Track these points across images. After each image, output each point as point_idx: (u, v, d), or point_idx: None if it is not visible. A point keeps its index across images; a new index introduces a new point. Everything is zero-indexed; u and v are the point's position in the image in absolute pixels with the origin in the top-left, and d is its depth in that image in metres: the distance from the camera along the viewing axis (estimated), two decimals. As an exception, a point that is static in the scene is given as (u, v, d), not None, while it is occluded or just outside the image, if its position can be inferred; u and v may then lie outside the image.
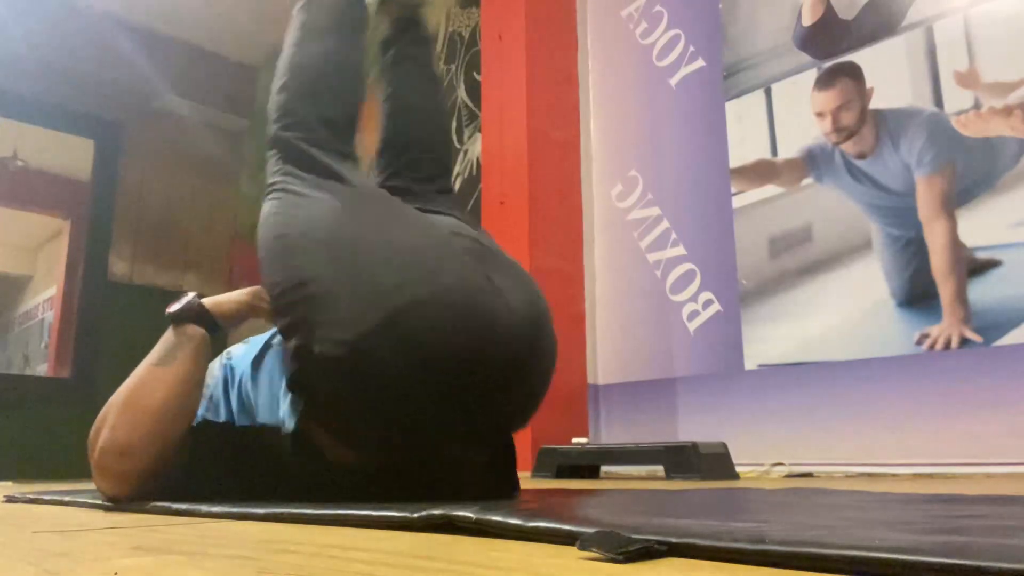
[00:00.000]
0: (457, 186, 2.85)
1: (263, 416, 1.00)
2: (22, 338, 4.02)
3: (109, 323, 3.54)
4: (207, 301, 1.05)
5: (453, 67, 2.97)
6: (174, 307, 1.03)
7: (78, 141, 3.66)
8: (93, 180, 3.67)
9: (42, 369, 3.76)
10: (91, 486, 0.99)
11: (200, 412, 1.05)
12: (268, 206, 1.01)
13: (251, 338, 1.13)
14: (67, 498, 1.13)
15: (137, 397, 0.96)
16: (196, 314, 1.02)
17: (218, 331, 1.05)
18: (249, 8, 3.71)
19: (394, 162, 1.34)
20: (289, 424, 0.93)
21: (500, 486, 0.99)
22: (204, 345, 1.02)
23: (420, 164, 1.31)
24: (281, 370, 0.99)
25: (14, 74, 3.42)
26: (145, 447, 0.94)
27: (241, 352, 1.10)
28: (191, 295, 1.05)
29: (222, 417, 1.03)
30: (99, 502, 1.01)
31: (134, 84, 3.76)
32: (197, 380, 1.01)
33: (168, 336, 1.02)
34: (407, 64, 1.35)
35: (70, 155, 3.70)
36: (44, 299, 3.94)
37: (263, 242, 0.97)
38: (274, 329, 1.07)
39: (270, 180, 1.05)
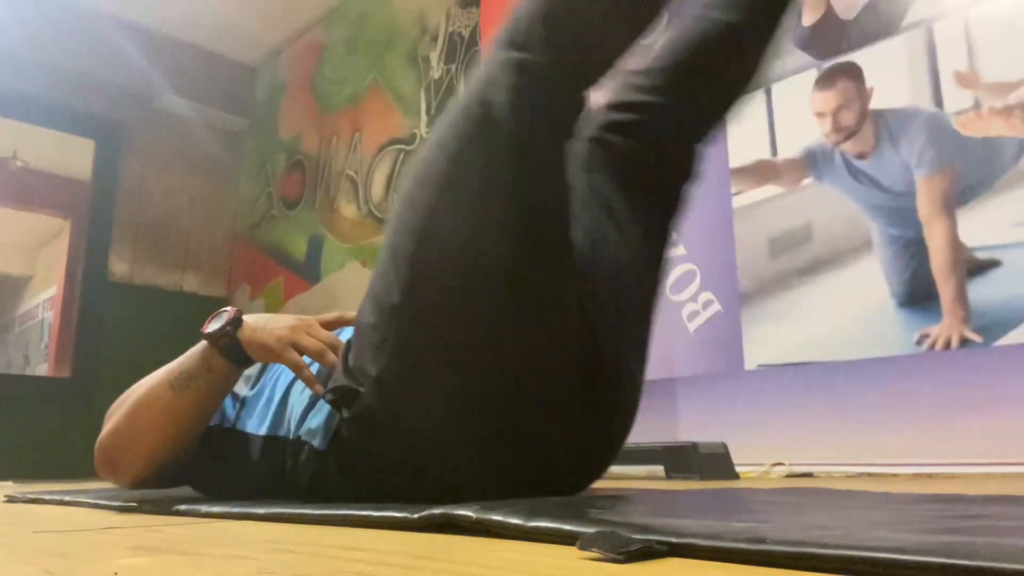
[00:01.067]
0: (457, 186, 2.85)
1: (288, 419, 0.96)
2: (22, 338, 4.02)
3: (109, 323, 3.54)
4: (246, 331, 0.92)
5: (453, 67, 2.97)
6: (210, 326, 0.93)
7: (78, 141, 3.66)
8: (93, 180, 3.67)
9: (42, 369, 3.76)
10: (91, 486, 1.00)
11: (231, 416, 1.03)
12: (453, 124, 0.78)
13: None
14: (67, 498, 1.13)
15: (141, 412, 0.94)
16: (227, 347, 0.91)
17: (250, 365, 0.95)
18: (249, 8, 3.71)
19: (657, 89, 0.94)
20: (315, 441, 0.89)
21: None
22: (226, 380, 0.94)
23: (694, 113, 0.98)
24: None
25: (14, 74, 3.42)
26: (138, 457, 0.95)
27: None
28: (230, 315, 0.93)
29: (255, 413, 1.01)
30: (99, 502, 1.01)
31: (134, 84, 3.76)
32: (206, 413, 0.96)
33: (195, 356, 0.94)
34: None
35: (70, 155, 3.70)
36: (44, 299, 3.94)
37: (414, 192, 0.79)
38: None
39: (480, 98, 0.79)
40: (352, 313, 0.99)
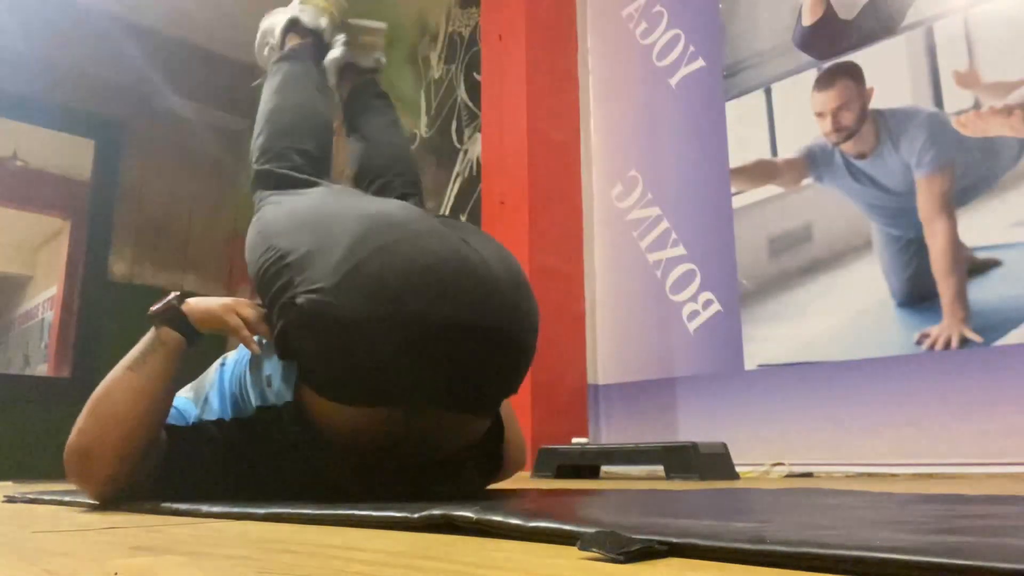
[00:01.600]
0: (457, 186, 2.85)
1: (251, 399, 1.02)
2: (22, 338, 4.02)
3: (109, 323, 3.54)
4: (189, 304, 1.03)
5: (453, 67, 2.97)
6: (155, 307, 1.02)
7: (78, 141, 3.66)
8: (93, 180, 3.67)
9: (42, 369, 3.76)
10: (72, 482, 1.00)
11: (195, 413, 1.06)
12: (252, 222, 1.10)
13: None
14: (67, 498, 1.13)
15: (104, 400, 0.96)
16: (172, 317, 1.01)
17: (197, 337, 1.02)
18: (249, 8, 3.70)
19: (369, 186, 1.44)
20: (285, 396, 0.94)
21: (486, 464, 1.03)
22: (177, 351, 1.00)
23: (392, 185, 1.43)
24: (271, 353, 0.99)
25: (14, 74, 3.42)
26: (106, 452, 0.94)
27: (235, 356, 1.11)
28: (173, 296, 1.03)
29: (215, 418, 1.04)
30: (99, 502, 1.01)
31: (134, 84, 3.76)
32: (166, 387, 0.99)
33: (146, 338, 1.01)
34: (371, 113, 1.54)
35: (70, 155, 3.70)
36: (44, 299, 3.94)
37: (248, 244, 1.06)
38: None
39: (255, 208, 1.15)
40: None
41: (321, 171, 1.26)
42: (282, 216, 1.05)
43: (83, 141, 3.67)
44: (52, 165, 3.77)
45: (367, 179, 1.45)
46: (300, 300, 0.88)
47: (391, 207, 1.00)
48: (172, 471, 1.01)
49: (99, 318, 3.54)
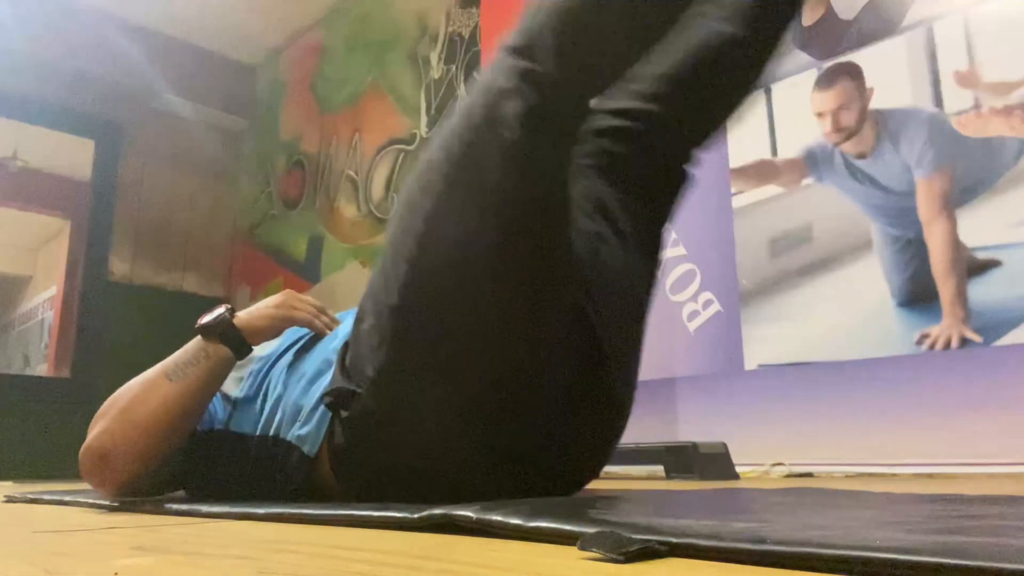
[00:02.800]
0: (457, 186, 2.85)
1: (280, 422, 0.96)
2: (22, 338, 4.02)
3: (109, 323, 3.54)
4: (240, 316, 0.99)
5: (453, 67, 2.97)
6: (205, 319, 0.97)
7: (78, 141, 3.66)
8: (93, 180, 3.67)
9: (42, 369, 3.76)
10: (86, 480, 0.99)
11: (221, 418, 1.03)
12: (455, 130, 0.78)
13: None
14: (67, 498, 1.13)
15: (136, 406, 0.93)
16: (224, 331, 0.96)
17: (248, 351, 0.99)
18: (249, 8, 3.71)
19: (656, 97, 0.93)
20: (307, 448, 0.89)
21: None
22: (222, 366, 0.97)
23: (691, 123, 0.97)
24: (316, 378, 0.94)
25: (14, 74, 3.42)
26: (128, 457, 0.93)
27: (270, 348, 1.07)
28: (223, 309, 0.99)
29: (250, 416, 1.01)
30: (99, 502, 1.01)
31: (134, 84, 3.76)
32: (203, 400, 0.97)
33: (190, 348, 0.97)
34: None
35: (70, 155, 3.70)
36: (44, 299, 3.94)
37: (414, 196, 0.79)
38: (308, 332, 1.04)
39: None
40: (329, 313, 1.05)
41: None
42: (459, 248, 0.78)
43: (83, 141, 3.67)
44: (52, 165, 3.77)
45: (668, 85, 0.94)
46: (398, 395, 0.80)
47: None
48: (190, 476, 1.00)
49: (99, 318, 3.54)
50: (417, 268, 0.76)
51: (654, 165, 0.95)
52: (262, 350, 1.06)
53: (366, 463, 0.85)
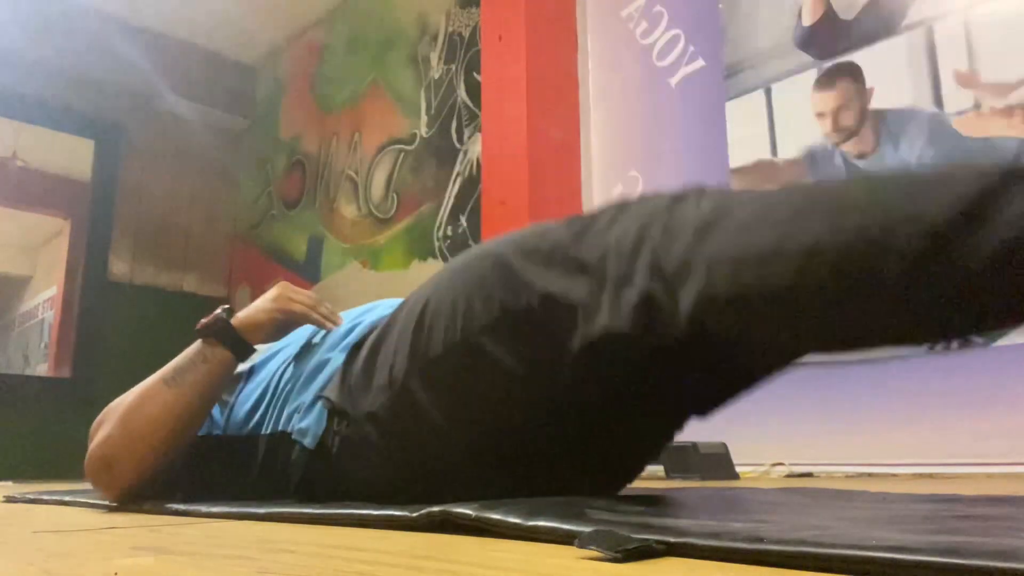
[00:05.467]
0: (457, 186, 2.85)
1: (280, 416, 0.96)
2: (22, 338, 4.02)
3: (109, 323, 3.54)
4: (238, 316, 0.97)
5: (453, 67, 2.97)
6: (203, 321, 0.96)
7: (78, 141, 3.66)
8: (93, 180, 3.67)
9: (42, 369, 3.76)
10: (91, 486, 0.99)
11: (221, 422, 1.03)
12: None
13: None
14: (67, 498, 1.13)
15: (136, 413, 0.93)
16: (221, 331, 0.94)
17: (248, 352, 0.97)
18: (249, 8, 3.71)
19: None
20: (307, 440, 0.89)
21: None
22: (222, 370, 0.95)
23: None
24: (316, 372, 0.94)
25: (14, 74, 3.42)
26: (131, 463, 0.93)
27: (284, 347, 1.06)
28: (221, 309, 0.97)
29: (244, 412, 1.00)
30: (99, 502, 1.01)
31: (134, 84, 3.76)
32: (203, 405, 0.96)
33: (189, 352, 0.96)
34: None
35: (70, 155, 3.70)
36: (44, 299, 3.94)
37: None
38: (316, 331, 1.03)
39: None
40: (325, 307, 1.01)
41: None
42: None
43: (83, 141, 3.67)
44: (52, 165, 3.77)
45: None
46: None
47: None
48: (188, 477, 1.00)
49: (99, 318, 3.54)
50: (447, 358, 0.76)
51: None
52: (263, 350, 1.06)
53: (353, 469, 0.85)
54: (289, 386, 0.97)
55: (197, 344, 0.96)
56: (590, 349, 0.66)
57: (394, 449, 0.81)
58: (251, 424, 0.99)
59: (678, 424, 0.86)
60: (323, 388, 0.90)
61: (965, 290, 0.51)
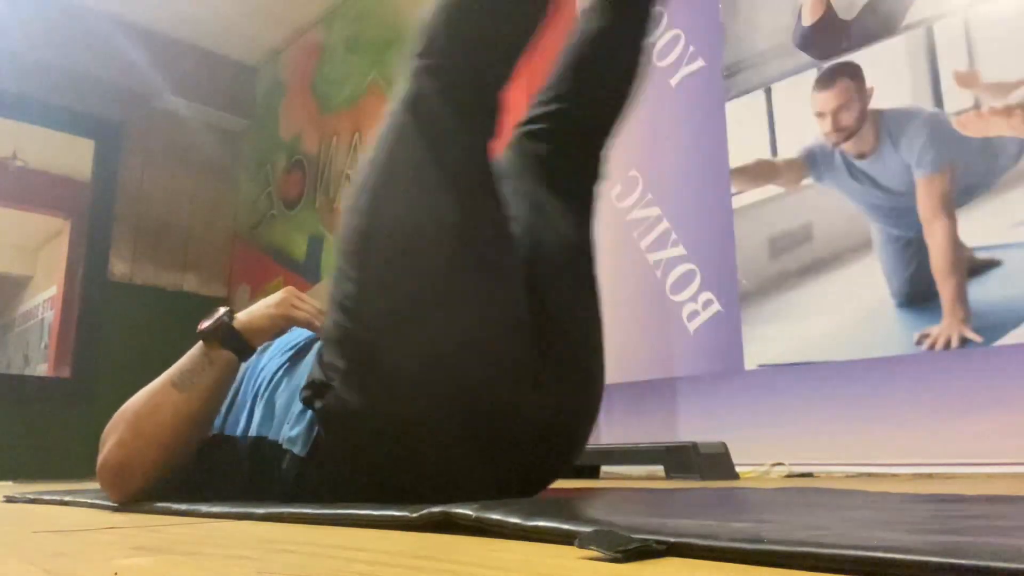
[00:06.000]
0: (457, 186, 2.85)
1: (273, 423, 0.96)
2: (22, 338, 4.02)
3: (109, 323, 3.54)
4: (240, 318, 0.98)
5: (453, 67, 2.97)
6: (204, 324, 0.96)
7: (78, 141, 3.66)
8: (93, 180, 3.67)
9: (42, 369, 3.76)
10: (91, 486, 0.99)
11: (218, 423, 1.04)
12: (381, 134, 0.86)
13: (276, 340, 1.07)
14: (67, 498, 1.13)
15: (146, 418, 0.94)
16: (224, 335, 0.95)
17: (250, 353, 0.98)
18: (249, 8, 3.71)
19: (559, 98, 1.08)
20: (297, 448, 0.89)
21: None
22: (228, 371, 0.97)
23: (590, 111, 1.07)
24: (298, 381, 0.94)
25: (14, 74, 3.42)
26: (144, 467, 0.94)
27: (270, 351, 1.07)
28: (223, 311, 0.98)
29: (241, 418, 1.01)
30: (99, 502, 1.01)
31: (134, 84, 3.76)
32: (213, 407, 0.97)
33: (194, 354, 0.97)
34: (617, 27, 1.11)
35: (70, 155, 3.70)
36: (44, 299, 3.94)
37: (354, 199, 0.84)
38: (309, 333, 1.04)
39: (397, 96, 0.88)
40: None
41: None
42: (391, 219, 0.82)
43: (83, 141, 3.67)
44: (52, 165, 3.77)
45: (567, 82, 1.09)
46: (361, 386, 0.82)
47: (484, 322, 0.81)
48: (190, 481, 1.00)
49: (99, 318, 3.54)
50: (366, 262, 0.81)
51: (569, 159, 1.06)
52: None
53: (346, 455, 0.85)
54: (284, 392, 0.98)
55: (200, 346, 0.97)
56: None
57: (373, 407, 0.81)
58: (245, 428, 1.00)
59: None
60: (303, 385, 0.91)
61: None
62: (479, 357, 0.80)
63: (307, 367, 0.96)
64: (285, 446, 0.91)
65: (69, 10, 3.60)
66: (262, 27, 3.88)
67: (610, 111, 1.09)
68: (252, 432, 0.98)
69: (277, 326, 1.00)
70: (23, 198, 3.71)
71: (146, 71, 3.76)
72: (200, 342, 0.97)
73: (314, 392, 0.84)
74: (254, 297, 3.88)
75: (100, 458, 0.95)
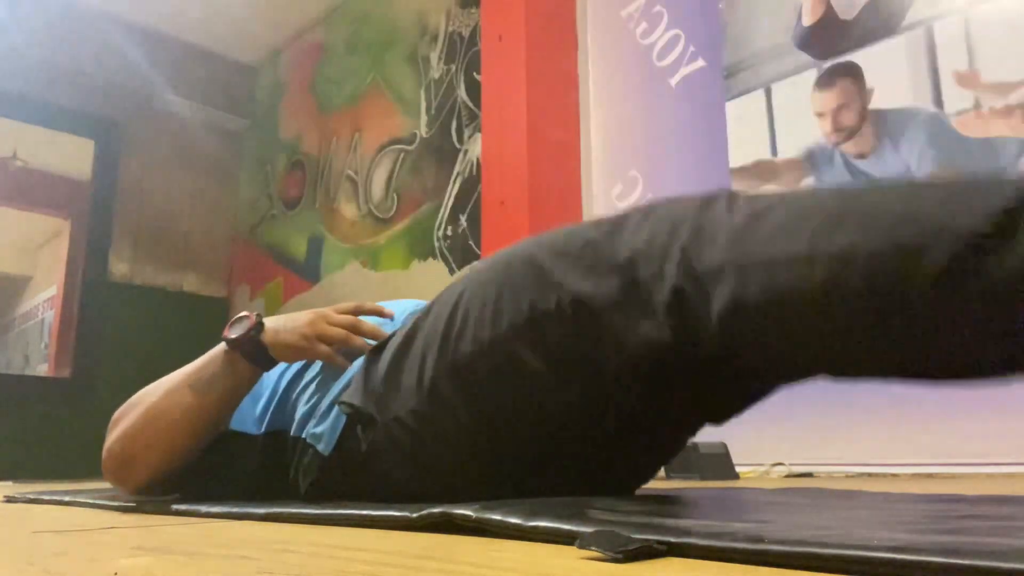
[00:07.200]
0: (457, 186, 2.85)
1: (292, 419, 0.96)
2: (22, 338, 4.02)
3: (109, 323, 3.54)
4: (268, 333, 0.93)
5: (453, 67, 2.97)
6: (233, 333, 0.93)
7: (78, 141, 3.66)
8: (93, 180, 3.67)
9: (42, 369, 3.76)
10: (91, 486, 0.99)
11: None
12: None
13: None
14: (67, 498, 1.13)
15: (159, 414, 0.92)
16: (252, 350, 0.92)
17: (273, 366, 0.96)
18: (249, 8, 3.71)
19: None
20: (321, 446, 0.89)
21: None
22: (247, 382, 0.95)
23: None
24: (330, 380, 0.94)
25: (14, 74, 3.42)
26: (150, 462, 0.93)
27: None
28: (255, 320, 0.93)
29: (252, 412, 1.00)
30: (99, 502, 1.01)
31: (134, 84, 3.76)
32: (227, 413, 0.96)
33: (215, 358, 0.94)
34: None
35: (70, 155, 3.70)
36: (44, 299, 3.94)
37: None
38: None
39: None
40: (369, 303, 1.01)
41: None
42: None
43: (83, 141, 3.67)
44: (52, 165, 3.77)
45: None
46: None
47: None
48: (196, 476, 1.00)
49: (99, 318, 3.54)
50: (479, 359, 0.75)
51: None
52: None
53: (370, 475, 0.85)
54: (306, 386, 0.97)
55: (224, 353, 0.94)
56: (621, 352, 0.67)
57: (422, 452, 0.80)
58: (263, 423, 0.99)
59: (694, 430, 0.87)
60: (341, 393, 0.89)
61: (996, 303, 0.50)
62: (541, 450, 0.78)
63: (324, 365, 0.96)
64: (309, 441, 0.91)
65: (69, 10, 3.60)
66: (262, 27, 3.88)
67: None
68: (267, 426, 0.98)
69: (310, 346, 0.94)
70: (23, 198, 3.71)
71: (146, 71, 3.76)
72: (223, 345, 0.94)
73: (355, 416, 0.84)
74: (254, 297, 3.88)
75: (106, 445, 0.95)
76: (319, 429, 0.89)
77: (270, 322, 0.95)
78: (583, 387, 0.72)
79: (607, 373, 0.70)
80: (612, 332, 0.67)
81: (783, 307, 0.58)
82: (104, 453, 0.95)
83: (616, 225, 0.70)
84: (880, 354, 0.58)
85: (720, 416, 0.83)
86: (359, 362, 0.90)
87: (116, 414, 0.97)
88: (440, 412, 0.78)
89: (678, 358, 0.66)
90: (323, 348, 0.93)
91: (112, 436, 0.95)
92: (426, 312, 0.84)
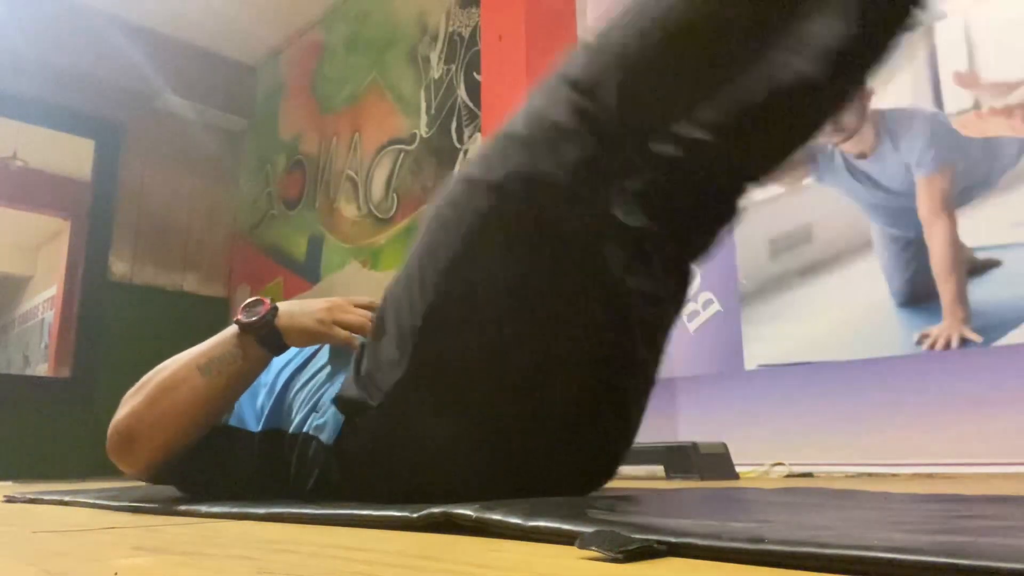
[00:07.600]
0: (457, 186, 2.85)
1: (292, 416, 0.96)
2: (22, 338, 4.02)
3: (109, 323, 3.54)
4: (283, 317, 0.93)
5: (453, 67, 2.97)
6: (247, 318, 0.92)
7: (78, 141, 3.66)
8: (93, 180, 3.67)
9: (42, 369, 3.76)
10: (91, 486, 0.99)
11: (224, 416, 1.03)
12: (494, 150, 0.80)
13: None
14: (67, 498, 1.13)
15: (167, 395, 0.92)
16: (265, 335, 0.92)
17: (284, 351, 0.95)
18: (249, 8, 3.71)
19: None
20: (324, 436, 0.89)
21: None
22: (258, 366, 0.94)
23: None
24: (332, 375, 0.94)
25: (14, 74, 3.42)
26: (154, 441, 0.93)
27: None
28: (269, 305, 0.93)
29: (250, 409, 1.00)
30: (99, 502, 1.01)
31: (134, 84, 3.76)
32: (235, 396, 0.96)
33: (226, 341, 0.93)
34: None
35: (70, 155, 3.70)
36: (44, 299, 3.94)
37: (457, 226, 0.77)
38: None
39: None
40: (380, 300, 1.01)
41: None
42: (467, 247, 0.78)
43: (83, 141, 3.67)
44: (52, 165, 3.76)
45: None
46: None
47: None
48: (197, 471, 1.00)
49: (99, 318, 3.54)
50: (444, 295, 0.77)
51: (700, 201, 0.82)
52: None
53: (373, 463, 0.85)
54: (300, 387, 0.98)
55: (235, 336, 0.93)
56: (569, 194, 0.75)
57: (418, 426, 0.80)
58: (261, 420, 0.99)
59: (684, 287, 0.90)
60: (339, 389, 0.90)
61: None
62: (531, 408, 0.78)
63: (322, 359, 0.97)
64: (312, 433, 0.91)
65: (69, 10, 3.60)
66: (262, 27, 3.88)
67: (773, 163, 0.81)
68: (265, 424, 0.98)
69: (327, 330, 0.94)
70: (23, 198, 3.71)
71: (146, 71, 3.76)
72: (234, 327, 0.93)
73: (349, 407, 0.84)
74: (255, 291, 3.87)
75: (113, 421, 0.94)
76: (321, 421, 0.91)
77: (284, 306, 0.95)
78: (552, 263, 0.75)
79: (567, 238, 0.75)
80: (550, 181, 0.74)
81: (655, 56, 0.72)
82: (110, 429, 0.94)
83: (512, 120, 0.80)
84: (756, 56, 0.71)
85: (699, 247, 0.88)
86: (351, 363, 0.91)
87: (127, 394, 0.97)
88: (425, 375, 0.79)
89: (616, 173, 0.75)
90: (341, 332, 0.93)
91: (120, 413, 0.95)
92: (391, 283, 0.86)
